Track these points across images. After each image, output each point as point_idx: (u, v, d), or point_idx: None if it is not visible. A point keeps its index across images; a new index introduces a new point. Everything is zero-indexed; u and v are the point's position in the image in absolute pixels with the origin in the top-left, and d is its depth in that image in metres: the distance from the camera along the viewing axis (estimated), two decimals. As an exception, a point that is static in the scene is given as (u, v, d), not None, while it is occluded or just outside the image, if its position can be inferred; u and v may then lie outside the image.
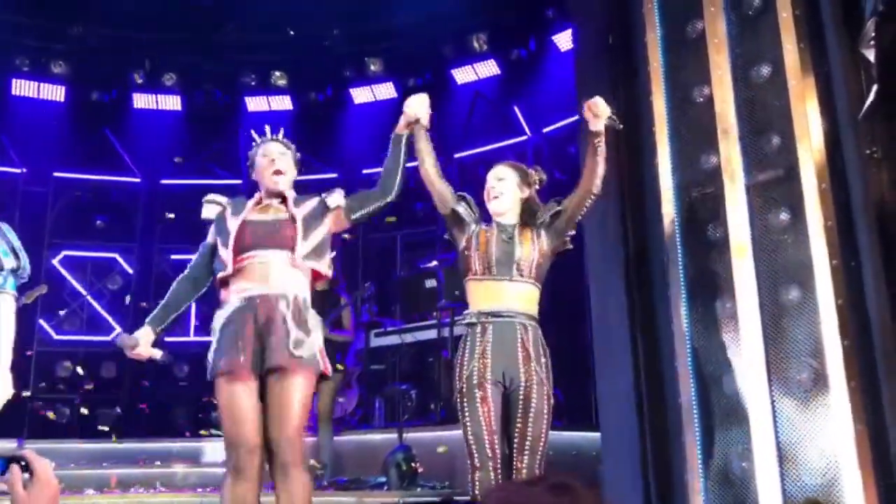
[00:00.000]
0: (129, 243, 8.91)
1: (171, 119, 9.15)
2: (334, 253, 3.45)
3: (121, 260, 8.88)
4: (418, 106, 3.37)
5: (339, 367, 6.24)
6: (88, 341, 8.54)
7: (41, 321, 8.33)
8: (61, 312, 8.52)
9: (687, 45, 3.80)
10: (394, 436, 6.18)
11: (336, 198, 3.38)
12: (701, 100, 3.72)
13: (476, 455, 3.07)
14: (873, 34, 2.99)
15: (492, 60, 8.37)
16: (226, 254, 3.22)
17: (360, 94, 9.01)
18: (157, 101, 9.08)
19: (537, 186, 3.51)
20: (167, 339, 8.67)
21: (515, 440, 3.12)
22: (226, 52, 8.79)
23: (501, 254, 3.27)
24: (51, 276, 8.39)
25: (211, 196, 3.46)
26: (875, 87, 3.03)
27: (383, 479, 5.66)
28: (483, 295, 3.26)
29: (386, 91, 8.89)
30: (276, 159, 3.36)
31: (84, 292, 8.67)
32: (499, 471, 3.07)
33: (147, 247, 8.92)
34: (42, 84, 8.59)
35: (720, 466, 3.41)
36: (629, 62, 4.03)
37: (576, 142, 6.79)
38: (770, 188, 3.46)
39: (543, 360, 3.23)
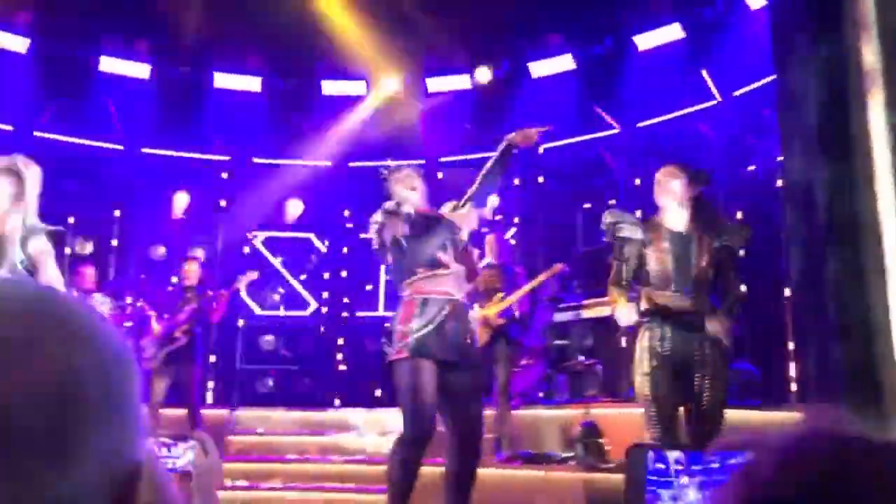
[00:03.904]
0: (321, 224, 9.43)
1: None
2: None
3: (315, 240, 9.41)
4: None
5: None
6: (288, 317, 9.13)
7: (246, 298, 8.96)
8: (278, 293, 9.18)
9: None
10: (578, 411, 6.12)
11: None
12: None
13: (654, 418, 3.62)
14: None
15: (676, 24, 7.98)
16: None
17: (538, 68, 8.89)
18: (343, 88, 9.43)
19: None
20: (358, 313, 9.15)
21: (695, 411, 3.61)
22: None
23: None
24: (254, 257, 9.08)
25: None
26: None
27: (570, 455, 5.63)
28: None
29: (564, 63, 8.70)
30: None
31: (285, 272, 9.26)
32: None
33: (338, 228, 9.38)
34: (239, 76, 9.17)
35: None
36: (833, 9, 3.69)
37: (771, 104, 6.37)
38: None
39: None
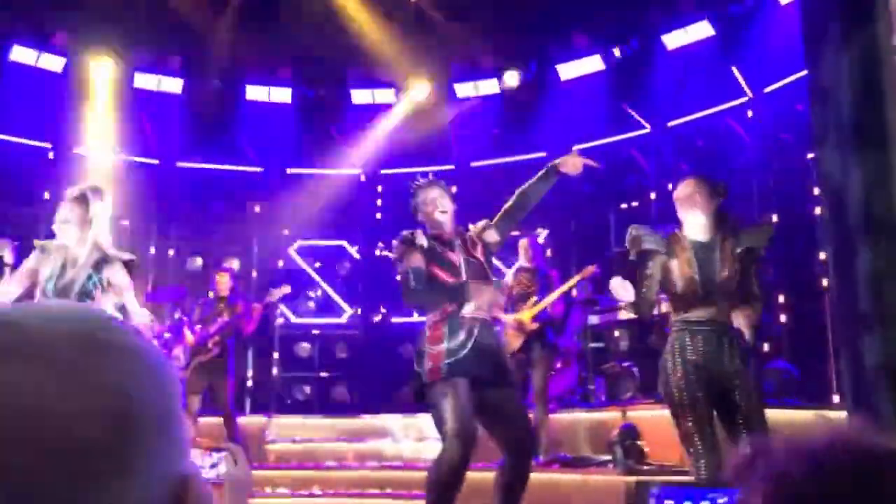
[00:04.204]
0: (354, 232, 9.49)
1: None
2: None
3: (348, 247, 9.47)
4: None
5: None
6: (323, 324, 9.20)
7: (282, 306, 9.04)
8: (313, 300, 9.26)
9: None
10: (615, 414, 6.08)
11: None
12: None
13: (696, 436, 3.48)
14: None
15: (705, 21, 7.90)
16: None
17: (566, 70, 8.86)
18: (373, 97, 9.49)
19: None
20: (394, 319, 9.19)
21: (739, 423, 3.52)
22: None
23: None
24: (288, 264, 9.17)
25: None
26: None
27: (608, 458, 5.60)
28: None
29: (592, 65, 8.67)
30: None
31: (319, 279, 9.33)
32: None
33: (370, 235, 9.43)
34: (271, 88, 9.27)
35: None
36: (864, 6, 3.64)
37: (803, 100, 6.28)
38: None
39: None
